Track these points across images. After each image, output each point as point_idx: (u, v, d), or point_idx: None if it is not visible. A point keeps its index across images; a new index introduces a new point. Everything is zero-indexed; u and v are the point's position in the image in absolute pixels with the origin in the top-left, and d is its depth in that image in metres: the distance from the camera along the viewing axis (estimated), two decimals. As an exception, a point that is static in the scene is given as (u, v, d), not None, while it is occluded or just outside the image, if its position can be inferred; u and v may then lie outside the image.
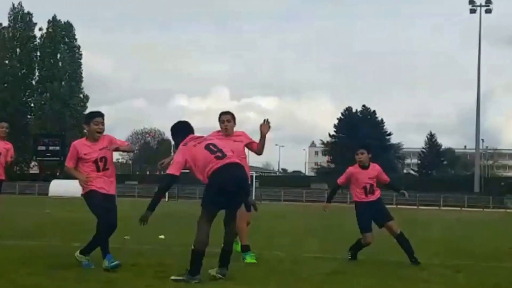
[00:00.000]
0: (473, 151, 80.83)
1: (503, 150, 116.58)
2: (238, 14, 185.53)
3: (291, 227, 18.05)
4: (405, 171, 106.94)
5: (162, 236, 12.03)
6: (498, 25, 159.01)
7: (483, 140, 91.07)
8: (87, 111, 41.69)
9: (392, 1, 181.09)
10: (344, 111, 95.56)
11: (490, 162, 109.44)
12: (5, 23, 79.08)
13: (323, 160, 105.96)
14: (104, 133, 8.09)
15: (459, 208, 59.41)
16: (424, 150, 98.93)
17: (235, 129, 8.88)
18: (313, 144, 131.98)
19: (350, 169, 9.32)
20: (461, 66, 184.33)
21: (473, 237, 16.07)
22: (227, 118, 8.78)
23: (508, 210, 54.39)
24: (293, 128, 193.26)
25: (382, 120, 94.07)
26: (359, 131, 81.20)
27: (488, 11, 75.72)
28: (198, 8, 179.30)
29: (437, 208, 58.91)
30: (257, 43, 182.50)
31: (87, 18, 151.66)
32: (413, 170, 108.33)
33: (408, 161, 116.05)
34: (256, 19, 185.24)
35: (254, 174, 66.05)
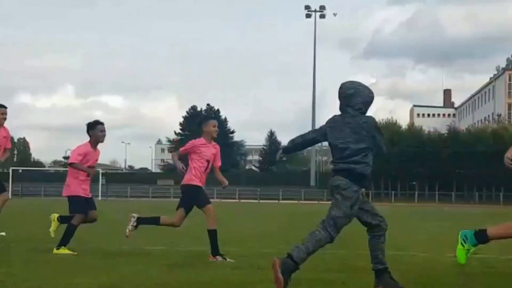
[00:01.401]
0: (309, 147, 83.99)
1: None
2: (85, 10, 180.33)
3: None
4: (247, 167, 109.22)
5: (3, 233, 11.70)
6: (332, 29, 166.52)
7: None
8: None
9: (237, 2, 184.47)
10: (189, 109, 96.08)
11: (325, 158, 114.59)
12: None
13: (169, 157, 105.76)
14: None
15: (296, 201, 61.84)
16: (265, 147, 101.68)
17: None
18: (159, 142, 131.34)
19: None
20: (299, 67, 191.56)
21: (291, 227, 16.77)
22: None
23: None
24: (140, 126, 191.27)
25: (225, 118, 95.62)
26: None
27: (322, 16, 79.25)
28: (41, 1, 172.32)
29: (277, 201, 60.96)
30: (106, 41, 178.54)
31: None
32: (254, 166, 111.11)
33: (250, 157, 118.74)
34: (106, 16, 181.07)
35: (101, 171, 64.70)
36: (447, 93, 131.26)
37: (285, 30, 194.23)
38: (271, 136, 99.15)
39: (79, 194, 8.91)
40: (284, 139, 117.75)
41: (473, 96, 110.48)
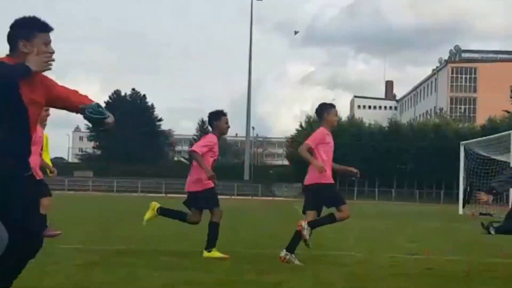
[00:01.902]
0: (244, 139, 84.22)
1: (273, 139, 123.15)
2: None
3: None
4: (175, 158, 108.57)
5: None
6: (271, 13, 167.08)
7: (253, 128, 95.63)
8: None
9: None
10: (113, 94, 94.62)
11: (260, 150, 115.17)
12: None
13: (89, 145, 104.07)
14: None
15: (229, 197, 61.97)
16: (196, 137, 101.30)
17: None
18: (77, 129, 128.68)
19: None
20: (234, 53, 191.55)
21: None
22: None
23: (275, 198, 57.86)
24: (55, 111, 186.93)
25: (152, 105, 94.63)
26: (128, 118, 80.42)
27: (259, -2, 79.41)
28: None
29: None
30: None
31: None
32: (184, 158, 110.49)
33: (179, 148, 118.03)
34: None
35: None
36: (389, 84, 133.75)
37: (219, 12, 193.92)
38: (203, 125, 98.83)
39: (213, 186, 8.77)
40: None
41: (415, 88, 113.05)
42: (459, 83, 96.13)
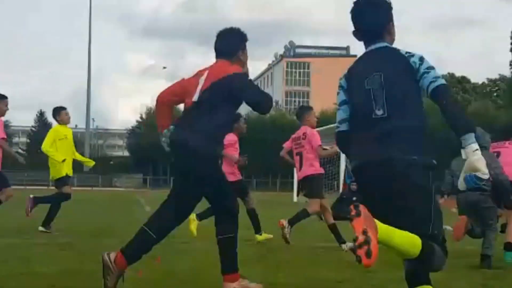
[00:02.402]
0: (84, 130, 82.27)
1: (113, 130, 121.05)
2: None
3: None
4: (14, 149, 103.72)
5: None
6: (110, 4, 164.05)
7: (93, 120, 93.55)
8: None
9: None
10: None
11: (101, 141, 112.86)
12: None
13: None
14: None
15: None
16: (33, 128, 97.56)
17: None
18: None
19: None
20: (73, 44, 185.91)
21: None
22: None
23: (116, 189, 57.05)
24: None
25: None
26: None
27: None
28: None
29: (46, 187, 58.72)
30: None
31: None
32: (21, 149, 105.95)
33: (16, 139, 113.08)
34: None
35: None
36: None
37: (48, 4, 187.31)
38: (41, 116, 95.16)
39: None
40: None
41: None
42: (293, 77, 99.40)
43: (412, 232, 3.69)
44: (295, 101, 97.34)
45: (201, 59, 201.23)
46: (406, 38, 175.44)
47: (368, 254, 3.36)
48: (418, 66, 4.01)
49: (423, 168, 3.87)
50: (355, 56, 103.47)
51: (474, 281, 6.38)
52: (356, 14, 4.22)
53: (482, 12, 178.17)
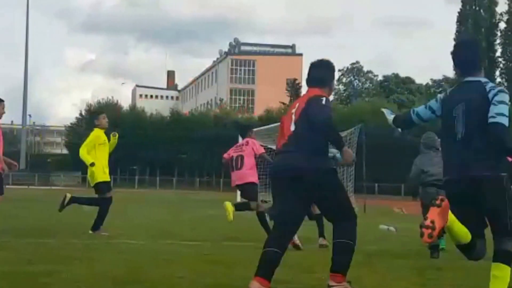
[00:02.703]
0: (20, 126, 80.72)
1: (51, 127, 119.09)
2: None
3: None
4: None
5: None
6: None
7: (30, 116, 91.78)
8: None
9: None
10: None
11: (38, 138, 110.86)
12: None
13: None
14: None
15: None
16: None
17: None
18: None
19: None
20: (11, 38, 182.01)
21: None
22: None
23: (54, 187, 56.03)
24: None
25: None
26: None
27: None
28: None
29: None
30: None
31: None
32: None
33: None
34: None
35: None
36: (170, 74, 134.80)
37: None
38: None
39: None
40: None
41: (196, 79, 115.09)
42: (238, 75, 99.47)
43: (495, 227, 5.17)
44: (239, 99, 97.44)
45: (143, 53, 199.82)
46: (353, 39, 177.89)
47: (430, 236, 4.73)
48: (492, 97, 5.03)
49: (499, 181, 5.06)
50: (300, 54, 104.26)
51: (414, 282, 6.49)
52: (456, 51, 5.46)
53: (427, 14, 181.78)
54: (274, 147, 31.16)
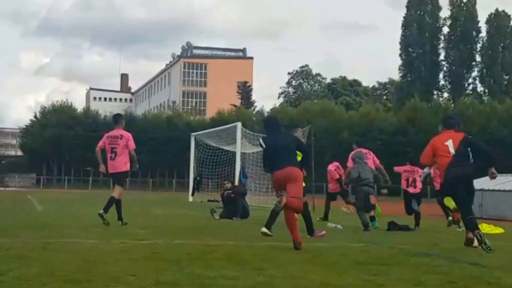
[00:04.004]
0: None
1: (6, 129, 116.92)
2: None
3: None
4: None
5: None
6: (2, 1, 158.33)
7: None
8: None
9: None
10: None
11: None
12: None
13: None
14: None
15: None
16: None
17: None
18: None
19: None
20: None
21: None
22: None
23: (8, 188, 55.06)
24: None
25: None
26: None
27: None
28: None
29: None
30: None
31: None
32: None
33: None
34: None
35: None
36: (124, 77, 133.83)
37: None
38: None
39: None
40: None
41: (149, 82, 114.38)
42: (190, 78, 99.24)
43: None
44: (192, 101, 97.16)
45: (97, 56, 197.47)
46: (302, 42, 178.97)
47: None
48: None
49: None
50: (251, 58, 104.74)
51: (360, 277, 6.53)
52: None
53: (373, 18, 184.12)
54: (226, 147, 31.16)
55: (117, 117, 13.60)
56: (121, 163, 12.77)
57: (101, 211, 12.22)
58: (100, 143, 12.87)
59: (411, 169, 15.17)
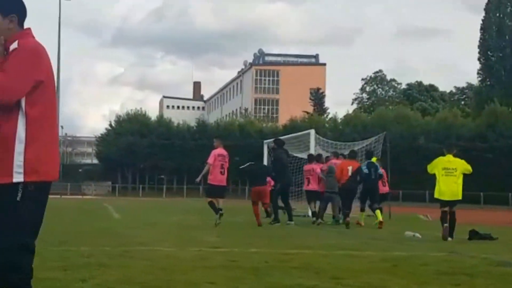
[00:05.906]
0: None
1: (82, 138, 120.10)
2: None
3: None
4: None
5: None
6: (79, 13, 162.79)
7: (62, 127, 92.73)
8: None
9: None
10: None
11: (70, 149, 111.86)
12: None
13: None
14: None
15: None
16: None
17: None
18: None
19: None
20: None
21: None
22: None
23: (85, 197, 56.50)
24: None
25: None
26: None
27: (69, -4, 77.31)
28: None
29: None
30: None
31: None
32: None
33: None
34: None
35: None
36: (196, 85, 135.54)
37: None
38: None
39: None
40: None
41: (221, 89, 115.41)
42: (262, 85, 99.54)
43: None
44: (264, 109, 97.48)
45: (170, 66, 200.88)
46: (375, 47, 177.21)
47: None
48: None
49: None
50: (324, 64, 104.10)
51: (443, 287, 6.41)
52: None
53: (450, 22, 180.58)
54: (299, 155, 31.24)
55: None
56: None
57: (217, 216, 15.77)
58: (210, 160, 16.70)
59: None
